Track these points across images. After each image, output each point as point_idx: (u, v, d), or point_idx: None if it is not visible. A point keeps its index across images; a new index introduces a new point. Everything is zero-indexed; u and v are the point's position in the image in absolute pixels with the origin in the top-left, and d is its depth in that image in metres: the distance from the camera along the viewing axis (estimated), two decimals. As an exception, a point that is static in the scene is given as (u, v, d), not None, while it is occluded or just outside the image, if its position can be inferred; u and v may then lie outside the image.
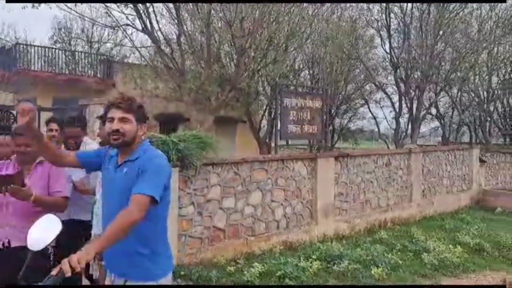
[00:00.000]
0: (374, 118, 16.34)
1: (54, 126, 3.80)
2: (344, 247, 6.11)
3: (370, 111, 16.14)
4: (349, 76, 13.20)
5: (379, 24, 14.04)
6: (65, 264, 1.53)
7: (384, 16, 13.67)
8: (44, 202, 2.69)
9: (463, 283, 5.37)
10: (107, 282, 2.24)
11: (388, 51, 14.03)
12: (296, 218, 6.55)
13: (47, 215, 1.78)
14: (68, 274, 1.53)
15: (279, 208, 6.32)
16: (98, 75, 15.99)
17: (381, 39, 14.26)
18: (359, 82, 14.53)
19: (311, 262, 5.30)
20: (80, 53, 18.17)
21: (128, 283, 2.14)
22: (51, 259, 2.73)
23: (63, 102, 12.77)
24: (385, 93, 14.72)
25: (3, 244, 2.69)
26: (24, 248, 2.56)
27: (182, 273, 4.67)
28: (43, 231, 1.67)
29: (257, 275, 4.83)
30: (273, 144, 13.36)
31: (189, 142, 5.02)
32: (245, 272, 4.89)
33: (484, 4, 13.02)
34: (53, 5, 9.09)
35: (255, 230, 5.99)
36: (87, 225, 3.34)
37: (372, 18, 13.94)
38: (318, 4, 10.62)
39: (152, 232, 2.15)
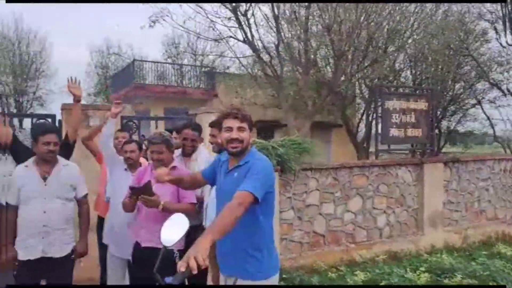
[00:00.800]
0: (489, 119, 14.71)
1: (121, 134, 4.02)
2: (456, 260, 5.62)
3: (483, 111, 14.57)
4: (457, 74, 12.16)
5: (493, 15, 12.71)
6: (192, 261, 1.54)
7: (499, 6, 12.34)
8: (172, 209, 2.85)
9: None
10: (221, 282, 2.40)
11: (504, 44, 12.62)
12: (400, 226, 6.22)
13: (177, 214, 1.93)
14: (195, 271, 1.54)
15: (381, 215, 6.07)
16: (202, 86, 17.05)
17: (496, 32, 12.88)
18: (469, 80, 13.26)
19: (418, 274, 4.99)
20: (186, 66, 19.58)
21: (238, 283, 2.26)
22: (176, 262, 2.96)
23: (172, 112, 13.90)
24: (502, 91, 13.22)
25: (137, 243, 3.03)
26: (155, 250, 2.89)
27: (284, 276, 4.74)
28: (174, 228, 1.80)
29: (360, 283, 4.70)
30: (371, 149, 12.91)
31: (287, 148, 5.12)
32: (348, 280, 4.79)
33: None
34: (165, 23, 9.98)
35: (355, 238, 5.83)
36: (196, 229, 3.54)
37: (485, 10, 12.68)
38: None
39: (261, 233, 2.25)
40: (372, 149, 13.09)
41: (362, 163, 6.19)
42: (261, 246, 2.26)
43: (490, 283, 4.82)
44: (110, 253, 3.42)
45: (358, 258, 5.64)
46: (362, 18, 8.24)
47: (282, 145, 5.07)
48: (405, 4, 9.20)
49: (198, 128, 3.68)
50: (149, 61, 18.04)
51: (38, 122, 4.56)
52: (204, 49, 22.03)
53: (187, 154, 3.58)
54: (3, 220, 3.05)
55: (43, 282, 3.14)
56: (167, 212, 2.86)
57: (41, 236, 3.00)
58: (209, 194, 3.12)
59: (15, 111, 22.59)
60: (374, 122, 7.99)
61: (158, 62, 18.16)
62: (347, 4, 7.96)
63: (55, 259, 3.05)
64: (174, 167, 3.07)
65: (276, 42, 9.50)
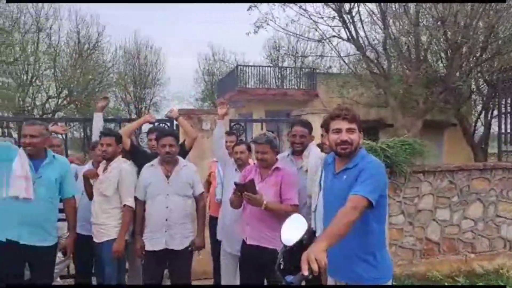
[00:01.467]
0: None
1: (229, 138, 4.09)
2: None
3: None
4: None
5: None
6: (313, 263, 1.57)
7: None
8: (274, 209, 2.96)
9: None
10: (329, 284, 2.37)
11: None
12: (530, 237, 5.50)
13: (296, 214, 1.96)
14: (317, 273, 1.56)
15: (506, 224, 5.43)
16: (303, 87, 17.10)
17: None
18: None
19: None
20: (286, 68, 19.82)
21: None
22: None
23: (273, 114, 14.19)
24: None
25: (244, 240, 3.15)
26: (258, 248, 3.00)
27: (394, 283, 4.52)
28: (293, 228, 1.83)
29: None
30: (491, 150, 11.59)
31: (397, 149, 4.85)
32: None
33: None
34: (267, 28, 10.26)
35: (475, 247, 5.31)
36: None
37: None
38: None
39: (373, 237, 2.18)
40: (492, 150, 11.80)
41: (483, 166, 5.60)
42: (373, 250, 2.18)
43: None
44: (223, 249, 3.60)
45: (479, 269, 5.12)
46: (480, 7, 7.47)
47: (391, 146, 4.83)
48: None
49: (307, 125, 3.50)
50: (251, 66, 18.67)
51: (157, 126, 4.97)
52: (304, 50, 22.09)
53: (297, 152, 3.44)
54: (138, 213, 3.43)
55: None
56: (270, 211, 2.94)
57: (164, 229, 3.30)
58: (318, 197, 3.10)
59: (134, 116, 25.15)
60: (495, 120, 7.17)
61: (259, 66, 18.70)
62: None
63: (177, 251, 3.33)
64: (277, 168, 3.11)
65: (383, 39, 9.11)
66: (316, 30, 10.19)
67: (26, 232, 2.97)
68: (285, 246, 1.78)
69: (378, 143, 4.87)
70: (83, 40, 20.36)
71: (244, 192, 2.93)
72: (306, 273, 1.54)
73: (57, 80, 18.30)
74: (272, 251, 2.84)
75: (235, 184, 3.05)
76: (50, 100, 18.69)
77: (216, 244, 3.90)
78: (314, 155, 3.35)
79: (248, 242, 3.10)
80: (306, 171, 3.31)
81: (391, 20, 8.97)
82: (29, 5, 17.59)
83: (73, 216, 3.26)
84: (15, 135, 9.59)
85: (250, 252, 3.07)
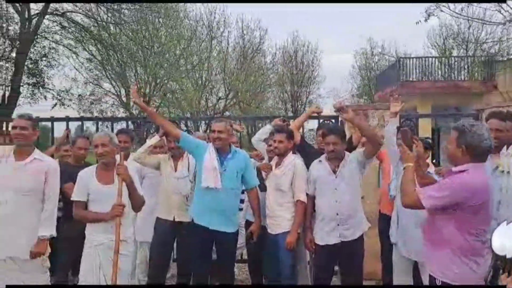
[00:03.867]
0: None
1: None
2: None
3: None
4: None
5: None
6: None
7: None
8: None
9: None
10: None
11: None
12: None
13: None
14: None
15: None
16: (477, 77, 15.13)
17: None
18: None
19: None
20: (456, 58, 17.82)
21: None
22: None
23: (440, 109, 12.90)
24: None
25: None
26: None
27: None
28: (507, 236, 1.62)
29: None
30: None
31: None
32: None
33: None
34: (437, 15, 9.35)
35: None
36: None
37: None
38: None
39: None
40: None
41: None
42: None
43: None
44: (398, 253, 3.41)
45: None
46: None
47: None
48: None
49: (509, 118, 2.99)
50: (413, 57, 17.35)
51: (324, 123, 5.00)
52: (478, 37, 19.48)
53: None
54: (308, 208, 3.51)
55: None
56: None
57: (336, 223, 3.32)
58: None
59: (291, 114, 26.07)
60: None
61: (423, 57, 17.24)
62: None
63: (349, 243, 3.31)
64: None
65: None
66: (500, 12, 8.86)
67: (215, 218, 3.33)
68: (496, 255, 1.56)
69: None
70: (247, 44, 22.07)
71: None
72: None
73: (226, 83, 20.26)
74: None
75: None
76: (219, 101, 20.83)
77: (387, 244, 3.71)
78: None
79: None
80: (503, 171, 2.85)
81: None
82: (204, 16, 19.96)
83: (257, 205, 3.52)
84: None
85: None
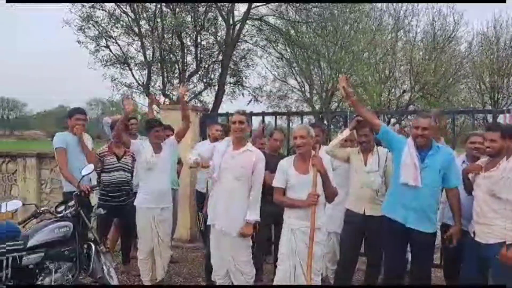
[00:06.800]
0: None
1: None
2: None
3: None
4: None
5: None
6: None
7: None
8: None
9: None
10: None
11: None
12: None
13: None
14: None
15: None
16: None
17: None
18: None
19: None
20: None
21: None
22: None
23: None
24: None
25: None
26: None
27: None
28: None
29: None
30: None
31: None
32: None
33: None
34: None
35: None
36: None
37: None
38: None
39: None
40: None
41: None
42: None
43: None
44: None
45: None
46: None
47: None
48: None
49: None
50: None
51: None
52: None
53: None
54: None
55: None
56: None
57: None
58: None
59: (489, 108, 22.71)
60: None
61: None
62: None
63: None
64: None
65: None
66: None
67: (412, 216, 3.25)
68: None
69: None
70: (438, 32, 20.15)
71: None
72: None
73: (412, 74, 18.99)
74: None
75: None
76: (404, 94, 19.67)
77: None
78: None
79: None
80: None
81: None
82: (390, 6, 19.07)
83: (458, 207, 3.30)
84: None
85: None
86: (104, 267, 3.87)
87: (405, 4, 19.17)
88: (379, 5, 18.88)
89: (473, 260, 3.21)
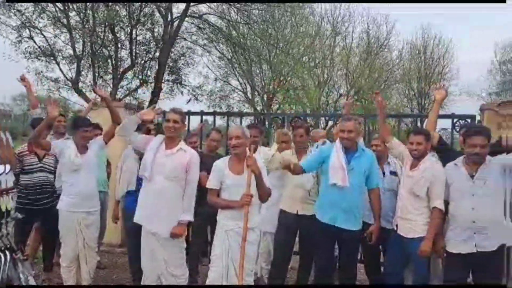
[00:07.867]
0: None
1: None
2: None
3: None
4: None
5: None
6: None
7: None
8: None
9: None
10: None
11: None
12: None
13: None
14: None
15: None
16: None
17: None
18: None
19: None
20: None
21: None
22: None
23: None
24: None
25: None
26: None
27: None
28: None
29: None
30: None
31: None
32: None
33: None
34: None
35: None
36: None
37: None
38: None
39: None
40: None
41: None
42: None
43: None
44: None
45: None
46: None
47: None
48: None
49: None
50: None
51: (466, 122, 4.57)
52: None
53: None
54: None
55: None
56: None
57: (472, 232, 3.08)
58: None
59: (417, 112, 24.26)
60: None
61: None
62: None
63: (486, 253, 3.05)
64: None
65: None
66: None
67: (341, 216, 3.34)
68: None
69: None
70: (372, 40, 21.20)
71: None
72: None
73: (348, 79, 19.82)
74: None
75: None
76: (340, 98, 20.45)
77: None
78: None
79: None
80: None
81: None
82: (328, 12, 19.75)
83: (379, 206, 3.46)
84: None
85: None
86: (21, 275, 3.54)
87: (342, 10, 19.95)
88: (318, 10, 19.49)
89: (396, 254, 3.40)
